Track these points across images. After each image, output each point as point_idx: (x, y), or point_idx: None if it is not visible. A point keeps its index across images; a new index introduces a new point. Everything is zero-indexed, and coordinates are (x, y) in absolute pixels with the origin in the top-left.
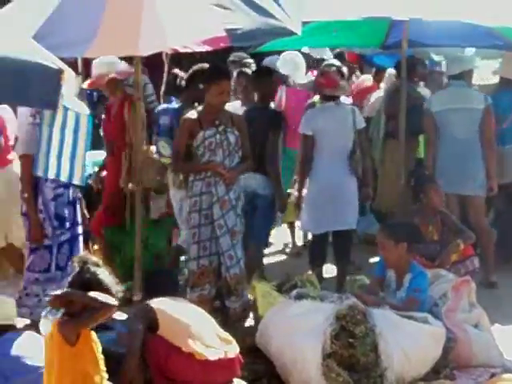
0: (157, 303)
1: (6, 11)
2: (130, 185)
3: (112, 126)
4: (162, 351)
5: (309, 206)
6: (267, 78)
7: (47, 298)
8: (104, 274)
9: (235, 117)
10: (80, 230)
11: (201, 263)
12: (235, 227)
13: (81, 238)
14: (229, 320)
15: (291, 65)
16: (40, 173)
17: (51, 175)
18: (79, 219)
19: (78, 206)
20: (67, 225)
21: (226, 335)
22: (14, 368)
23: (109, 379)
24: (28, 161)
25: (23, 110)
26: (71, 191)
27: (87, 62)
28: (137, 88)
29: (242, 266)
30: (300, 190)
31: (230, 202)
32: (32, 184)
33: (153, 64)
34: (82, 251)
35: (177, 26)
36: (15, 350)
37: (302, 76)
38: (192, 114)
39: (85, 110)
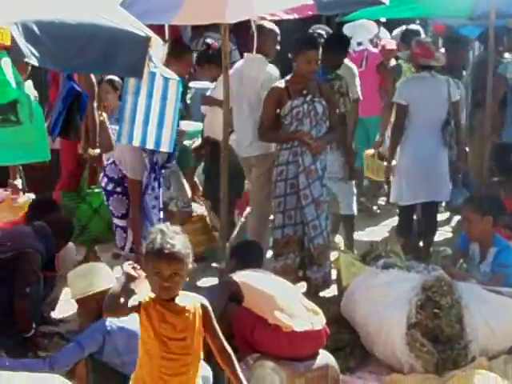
0: (240, 276)
1: None
2: (90, 150)
3: None
4: (247, 323)
5: (400, 177)
6: (337, 46)
7: None
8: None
9: (323, 86)
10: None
11: (285, 232)
12: (320, 197)
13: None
14: (311, 290)
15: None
16: (124, 141)
17: (136, 143)
18: None
19: None
20: None
21: (313, 306)
22: (127, 344)
23: None
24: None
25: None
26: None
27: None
28: (225, 55)
29: (326, 237)
30: (390, 161)
31: (316, 172)
32: None
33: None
34: None
35: None
36: (130, 325)
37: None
38: (280, 83)
39: (174, 75)
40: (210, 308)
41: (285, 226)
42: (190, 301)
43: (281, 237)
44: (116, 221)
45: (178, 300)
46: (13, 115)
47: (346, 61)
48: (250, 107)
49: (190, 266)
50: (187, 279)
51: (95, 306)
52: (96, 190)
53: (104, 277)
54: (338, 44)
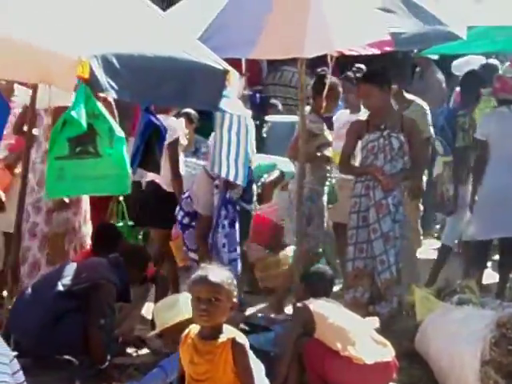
0: (314, 306)
1: (173, 12)
2: None
3: None
4: (319, 354)
5: (477, 212)
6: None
7: None
8: None
9: (407, 120)
10: None
11: (356, 265)
12: (390, 232)
13: None
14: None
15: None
16: (216, 170)
17: (223, 174)
18: None
19: None
20: None
21: (381, 339)
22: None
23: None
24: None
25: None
26: None
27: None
28: (301, 88)
29: (394, 272)
30: (474, 195)
31: (386, 207)
32: None
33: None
34: None
35: (342, 28)
36: None
37: None
38: (362, 116)
39: (244, 110)
40: (242, 346)
41: (355, 258)
42: (225, 337)
43: (351, 269)
44: (191, 254)
45: (216, 335)
46: (91, 147)
47: (417, 99)
48: None
49: (235, 300)
50: (230, 312)
51: (179, 335)
52: (121, 224)
53: (187, 306)
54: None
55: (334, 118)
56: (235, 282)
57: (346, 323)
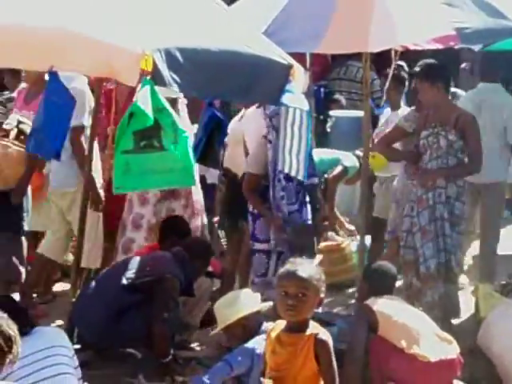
0: (376, 304)
1: (238, 6)
2: None
3: None
4: (383, 352)
5: None
6: None
7: None
8: None
9: (462, 117)
10: None
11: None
12: (427, 226)
13: None
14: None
15: None
16: (286, 169)
17: (290, 170)
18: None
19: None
20: None
21: (446, 335)
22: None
23: None
24: (252, 179)
25: (255, 127)
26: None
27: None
28: (365, 84)
29: (430, 266)
30: None
31: (426, 201)
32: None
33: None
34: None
35: (407, 23)
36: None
37: None
38: (402, 114)
39: (305, 105)
40: (325, 342)
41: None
42: (309, 332)
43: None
44: (257, 245)
45: (301, 330)
46: (156, 141)
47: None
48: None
49: (323, 295)
50: (317, 308)
51: (242, 331)
52: None
53: (248, 302)
54: None
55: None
56: (323, 276)
57: (410, 321)
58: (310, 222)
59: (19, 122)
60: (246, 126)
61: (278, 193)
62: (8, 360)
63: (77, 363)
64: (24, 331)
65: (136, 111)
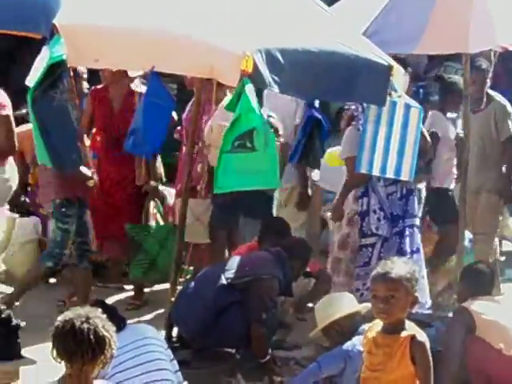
0: (474, 305)
1: (338, 7)
2: (152, 182)
3: None
4: (480, 353)
5: None
6: None
7: (366, 292)
8: None
9: None
10: (413, 222)
11: None
12: None
13: (410, 232)
14: None
15: None
16: (363, 170)
17: (375, 172)
18: (414, 211)
19: (411, 200)
20: (401, 220)
21: None
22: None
23: None
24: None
25: None
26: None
27: None
28: (465, 85)
29: None
30: None
31: None
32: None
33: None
34: (408, 245)
35: (506, 23)
36: None
37: None
38: None
39: (414, 103)
40: (423, 344)
41: None
42: (406, 333)
43: None
44: (364, 240)
45: (397, 331)
46: (249, 141)
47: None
48: None
49: (416, 294)
50: (411, 308)
51: (339, 332)
52: (162, 224)
53: (345, 303)
54: None
55: None
56: (416, 275)
57: (508, 322)
58: None
59: None
60: None
61: (381, 192)
62: (99, 361)
63: (172, 356)
64: (119, 327)
65: (243, 112)
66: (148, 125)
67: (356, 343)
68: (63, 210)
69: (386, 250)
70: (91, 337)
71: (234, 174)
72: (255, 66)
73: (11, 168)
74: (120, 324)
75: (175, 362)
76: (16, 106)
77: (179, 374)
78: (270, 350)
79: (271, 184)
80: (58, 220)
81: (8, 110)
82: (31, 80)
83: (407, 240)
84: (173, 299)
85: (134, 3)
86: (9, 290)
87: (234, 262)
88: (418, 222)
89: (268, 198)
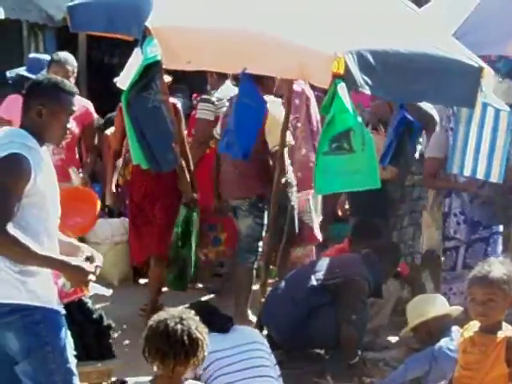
0: None
1: (428, 8)
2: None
3: None
4: None
5: None
6: None
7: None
8: None
9: None
10: (498, 228)
11: None
12: None
13: (495, 238)
14: None
15: None
16: (455, 170)
17: (467, 172)
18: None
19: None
20: (481, 226)
21: None
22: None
23: None
24: (434, 163)
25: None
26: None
27: None
28: None
29: None
30: None
31: None
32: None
33: None
34: (494, 251)
35: None
36: None
37: None
38: None
39: (504, 106)
40: None
41: None
42: (502, 334)
43: None
44: (447, 243)
45: (495, 331)
46: (346, 143)
47: None
48: None
49: None
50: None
51: (428, 333)
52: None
53: (437, 304)
54: None
55: None
56: None
57: None
58: None
59: None
60: None
61: (465, 196)
62: (191, 362)
63: (275, 361)
64: (225, 329)
65: (336, 113)
66: (240, 126)
67: (443, 345)
68: (260, 205)
69: (471, 255)
70: (184, 338)
71: (334, 175)
72: (346, 68)
73: None
74: (225, 325)
75: (277, 367)
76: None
77: (281, 380)
78: (359, 351)
79: (372, 184)
80: (255, 216)
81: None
82: (125, 82)
83: (493, 247)
84: (263, 300)
85: (224, 5)
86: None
87: (323, 263)
88: (501, 229)
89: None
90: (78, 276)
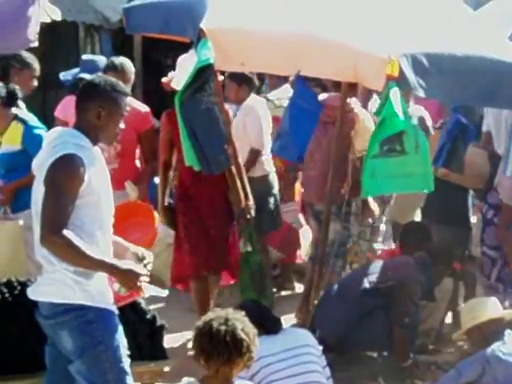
0: None
1: (483, 11)
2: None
3: None
4: None
5: None
6: None
7: None
8: None
9: None
10: None
11: None
12: None
13: None
14: None
15: None
16: (509, 173)
17: None
18: None
19: None
20: None
21: None
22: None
23: None
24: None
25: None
26: None
27: None
28: None
29: None
30: None
31: None
32: None
33: None
34: None
35: None
36: None
37: None
38: None
39: None
40: None
41: None
42: None
43: None
44: (485, 249)
45: None
46: (398, 145)
47: None
48: None
49: None
50: None
51: (481, 337)
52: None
53: (490, 308)
54: None
55: None
56: None
57: None
58: None
59: None
60: None
61: None
62: (236, 363)
63: (325, 362)
64: (274, 330)
65: (387, 116)
66: (294, 128)
67: (495, 349)
68: (347, 209)
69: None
70: (228, 338)
71: (383, 178)
72: (401, 71)
73: None
74: (275, 327)
75: (327, 369)
76: None
77: (331, 380)
78: (411, 354)
79: (425, 187)
80: (343, 220)
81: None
82: (179, 83)
83: None
84: (316, 302)
85: (277, 7)
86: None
87: (376, 266)
88: None
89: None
90: (129, 279)
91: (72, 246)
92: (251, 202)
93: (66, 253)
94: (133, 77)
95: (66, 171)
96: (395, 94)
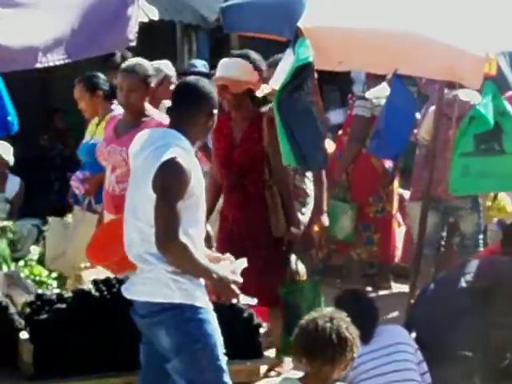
0: None
1: None
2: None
3: None
4: None
5: None
6: None
7: None
8: None
9: None
10: None
11: None
12: None
13: None
14: None
15: None
16: None
17: None
18: None
19: None
20: None
21: None
22: None
23: None
24: None
25: None
26: None
27: None
28: None
29: None
30: None
31: None
32: None
33: None
34: None
35: None
36: None
37: None
38: None
39: None
40: None
41: None
42: None
43: None
44: None
45: None
46: (497, 144)
47: None
48: None
49: None
50: None
51: None
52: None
53: None
54: None
55: None
56: None
57: None
58: None
59: None
60: None
61: None
62: (339, 362)
63: (421, 357)
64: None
65: (476, 115)
66: (391, 127)
67: None
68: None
69: None
70: (333, 336)
71: (477, 176)
72: (499, 69)
73: None
74: (370, 331)
75: (424, 364)
76: None
77: (427, 375)
78: (508, 355)
79: None
80: (479, 211)
81: None
82: (277, 82)
83: None
84: (412, 301)
85: (374, 5)
86: None
87: (472, 265)
88: None
89: None
90: (224, 288)
91: (189, 251)
92: (295, 229)
93: (184, 258)
94: None
95: (176, 176)
96: (487, 93)
